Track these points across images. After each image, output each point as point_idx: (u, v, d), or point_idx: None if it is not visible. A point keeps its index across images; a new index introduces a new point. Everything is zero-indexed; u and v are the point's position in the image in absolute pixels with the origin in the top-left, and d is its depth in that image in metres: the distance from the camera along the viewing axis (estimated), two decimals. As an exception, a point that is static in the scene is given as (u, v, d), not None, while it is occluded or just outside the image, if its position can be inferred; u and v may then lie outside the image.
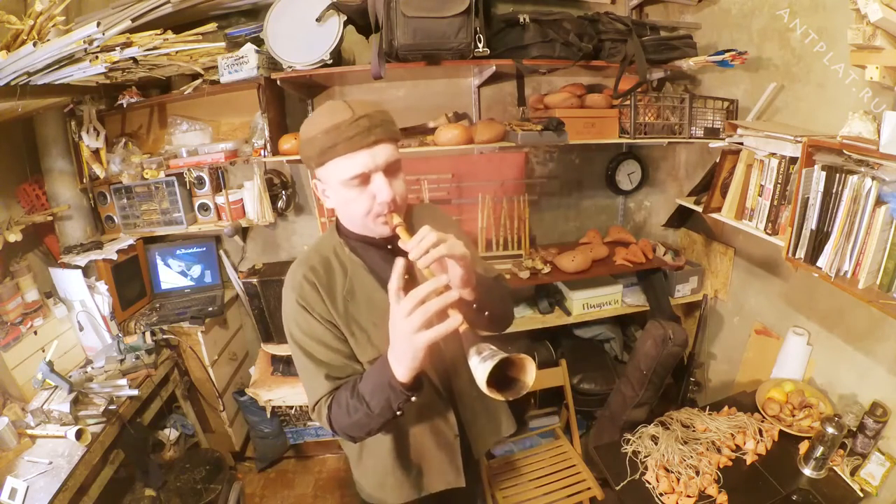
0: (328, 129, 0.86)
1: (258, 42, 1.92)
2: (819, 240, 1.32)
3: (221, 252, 2.50)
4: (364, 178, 0.89)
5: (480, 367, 0.72)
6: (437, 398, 1.08)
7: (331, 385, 0.96)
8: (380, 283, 1.01)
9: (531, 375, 0.75)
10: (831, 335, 1.71)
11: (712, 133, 1.99)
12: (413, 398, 0.86)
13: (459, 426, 1.12)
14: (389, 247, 1.02)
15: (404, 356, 0.80)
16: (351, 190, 0.90)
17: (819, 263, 1.32)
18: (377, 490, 1.18)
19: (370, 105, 0.90)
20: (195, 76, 2.04)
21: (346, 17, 1.82)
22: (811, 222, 1.33)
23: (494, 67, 2.04)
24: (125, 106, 2.05)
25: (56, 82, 1.61)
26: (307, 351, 0.98)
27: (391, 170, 0.91)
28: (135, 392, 1.81)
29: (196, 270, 2.48)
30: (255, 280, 2.16)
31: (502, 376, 0.75)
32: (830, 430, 1.36)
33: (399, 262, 0.79)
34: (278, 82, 1.92)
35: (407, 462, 1.11)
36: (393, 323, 0.79)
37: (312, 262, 1.01)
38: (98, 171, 2.07)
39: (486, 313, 0.93)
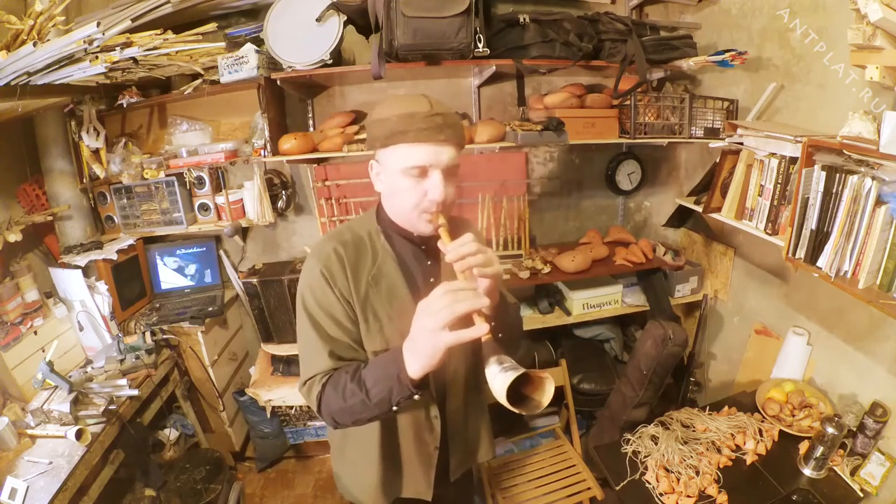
0: (404, 115, 0.88)
1: (258, 42, 1.92)
2: (819, 240, 1.32)
3: (221, 252, 2.50)
4: (423, 172, 0.90)
5: (500, 376, 0.71)
6: (430, 407, 1.09)
7: (332, 363, 0.96)
8: (405, 278, 1.01)
9: (548, 396, 0.74)
10: (831, 335, 1.71)
11: (712, 133, 1.99)
12: (416, 397, 0.86)
13: (443, 441, 1.13)
14: (423, 247, 1.03)
15: (422, 352, 0.80)
16: (407, 179, 0.91)
17: (819, 263, 1.32)
18: (355, 486, 1.19)
19: (446, 106, 0.93)
20: (195, 76, 2.04)
21: (346, 17, 1.82)
22: (811, 222, 1.33)
23: (494, 67, 2.04)
24: (125, 106, 2.05)
25: (56, 82, 1.61)
26: (317, 323, 0.97)
27: (449, 172, 0.92)
28: (135, 392, 1.81)
29: (196, 270, 2.48)
30: (255, 280, 2.16)
31: (517, 390, 0.75)
32: (830, 430, 1.36)
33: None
34: (278, 82, 1.92)
35: (387, 462, 1.12)
36: (419, 314, 0.80)
37: (345, 237, 1.01)
38: (98, 171, 2.07)
39: (500, 335, 0.93)
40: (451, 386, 1.11)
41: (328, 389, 0.94)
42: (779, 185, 1.49)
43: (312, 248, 1.03)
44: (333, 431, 1.18)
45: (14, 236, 1.78)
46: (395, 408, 0.89)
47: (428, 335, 0.78)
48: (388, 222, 1.03)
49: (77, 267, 2.01)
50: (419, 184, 0.91)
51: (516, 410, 0.73)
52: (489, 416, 1.29)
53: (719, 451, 1.50)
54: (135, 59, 1.67)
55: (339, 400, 0.92)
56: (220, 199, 2.26)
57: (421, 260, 1.03)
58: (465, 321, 0.76)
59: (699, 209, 1.87)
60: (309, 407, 2.40)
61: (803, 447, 1.46)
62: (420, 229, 0.97)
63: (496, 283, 0.86)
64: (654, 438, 1.55)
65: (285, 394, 2.25)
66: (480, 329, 0.75)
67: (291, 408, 2.41)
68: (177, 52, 1.78)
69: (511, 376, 0.70)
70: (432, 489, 1.16)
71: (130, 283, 2.26)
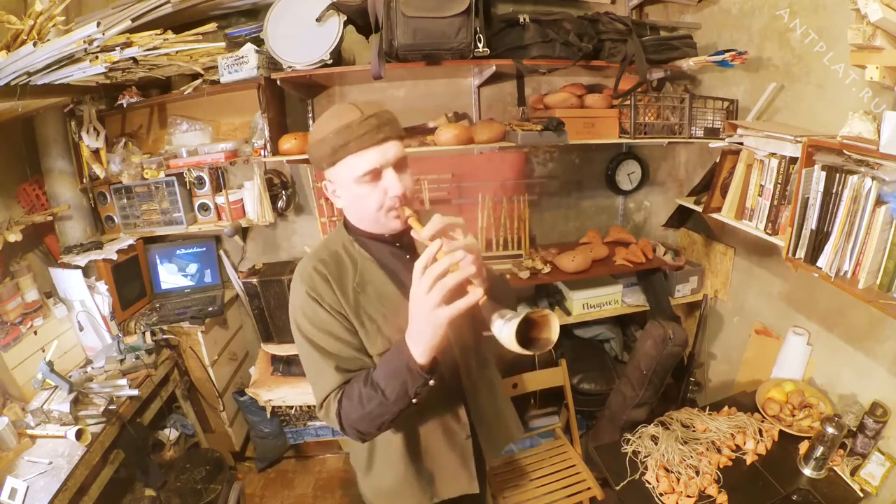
0: (339, 129, 0.90)
1: (258, 42, 1.92)
2: (819, 240, 1.32)
3: (221, 252, 2.50)
4: (375, 174, 0.92)
5: (506, 326, 0.74)
6: (449, 396, 1.08)
7: (341, 378, 0.96)
8: (389, 277, 1.02)
9: (555, 331, 0.77)
10: (831, 335, 1.71)
11: (712, 133, 1.99)
12: (431, 382, 0.86)
13: (471, 428, 1.12)
14: (398, 244, 1.05)
15: (424, 334, 0.81)
16: (363, 186, 0.93)
17: (819, 263, 1.32)
18: (387, 501, 1.17)
19: (376, 105, 0.94)
20: (195, 76, 2.04)
21: (346, 17, 1.82)
22: (811, 222, 1.33)
23: (494, 67, 2.04)
24: (125, 106, 2.06)
25: (56, 82, 1.61)
26: (316, 343, 0.97)
27: (400, 165, 0.94)
28: (135, 392, 1.81)
29: (196, 270, 2.48)
30: (255, 280, 2.16)
31: (526, 336, 0.77)
32: (830, 430, 1.36)
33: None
34: (278, 82, 1.92)
35: (419, 466, 1.10)
36: (413, 301, 0.81)
37: (322, 255, 1.02)
38: (98, 171, 2.07)
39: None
40: (463, 368, 1.11)
41: (344, 403, 0.94)
42: (779, 185, 1.49)
43: (295, 272, 1.03)
44: (357, 452, 1.17)
45: (14, 236, 1.78)
46: (414, 400, 0.88)
47: (426, 316, 0.79)
48: (358, 230, 1.04)
49: (77, 267, 2.01)
50: (376, 186, 0.93)
51: (529, 352, 0.76)
52: (507, 395, 1.29)
53: (719, 451, 1.50)
54: (135, 59, 1.66)
55: (357, 408, 0.91)
56: (220, 199, 2.26)
57: (399, 257, 1.05)
58: (458, 294, 0.78)
59: (699, 209, 1.87)
60: (309, 406, 2.41)
61: (803, 447, 1.47)
62: (391, 227, 0.98)
63: (478, 255, 0.87)
64: (654, 438, 1.55)
65: (285, 394, 2.25)
66: (476, 294, 0.76)
67: (291, 408, 2.41)
68: (177, 52, 1.78)
69: (515, 323, 0.73)
70: (476, 480, 1.14)
71: (130, 283, 2.26)
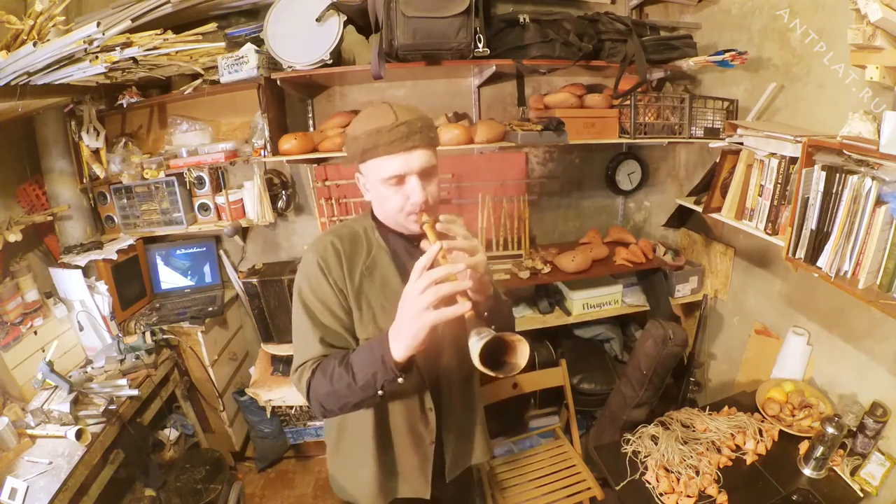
0: (370, 131, 0.93)
1: (258, 42, 1.92)
2: (819, 240, 1.32)
3: (221, 252, 2.50)
4: (400, 180, 0.95)
5: (476, 344, 0.75)
6: (424, 398, 1.11)
7: (322, 350, 1.00)
8: (398, 271, 1.05)
9: (523, 357, 0.77)
10: (831, 335, 1.71)
11: (712, 133, 1.99)
12: (400, 380, 0.89)
13: (438, 438, 1.14)
14: (416, 242, 1.06)
15: (406, 332, 0.83)
16: (388, 188, 0.96)
17: (819, 263, 1.32)
18: (350, 484, 1.20)
19: (412, 111, 0.96)
20: (195, 76, 2.04)
21: (346, 17, 1.82)
22: (811, 222, 1.33)
23: (494, 67, 2.04)
24: (125, 106, 2.05)
25: (56, 82, 1.61)
26: (310, 310, 1.02)
27: (426, 174, 0.96)
28: (135, 392, 1.81)
29: (196, 270, 2.48)
30: (254, 280, 2.16)
31: (499, 358, 0.79)
32: (830, 430, 1.36)
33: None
34: (278, 82, 1.92)
35: (382, 459, 1.13)
36: (404, 298, 0.83)
37: (342, 232, 1.07)
38: (98, 171, 2.07)
39: (492, 327, 0.95)
40: (444, 379, 1.13)
41: (317, 374, 0.97)
42: (779, 185, 1.49)
43: (310, 244, 1.07)
44: (330, 429, 1.21)
45: (14, 236, 1.78)
46: (380, 392, 0.91)
47: (412, 316, 0.81)
48: (381, 223, 1.08)
49: (77, 267, 2.01)
50: (400, 190, 0.96)
51: (492, 373, 0.77)
52: (484, 417, 1.30)
53: (719, 451, 1.50)
54: (135, 59, 1.67)
55: (326, 384, 0.95)
56: (220, 199, 2.26)
57: (413, 254, 1.06)
58: (449, 302, 0.80)
59: (699, 209, 1.87)
60: (308, 407, 2.41)
61: (803, 447, 1.47)
62: (411, 229, 1.01)
63: (486, 274, 0.89)
64: (654, 438, 1.55)
65: (285, 394, 2.25)
66: (463, 306, 0.78)
67: (291, 408, 2.41)
68: (177, 52, 1.78)
69: (483, 339, 0.74)
70: (430, 486, 1.17)
71: (130, 283, 2.26)
